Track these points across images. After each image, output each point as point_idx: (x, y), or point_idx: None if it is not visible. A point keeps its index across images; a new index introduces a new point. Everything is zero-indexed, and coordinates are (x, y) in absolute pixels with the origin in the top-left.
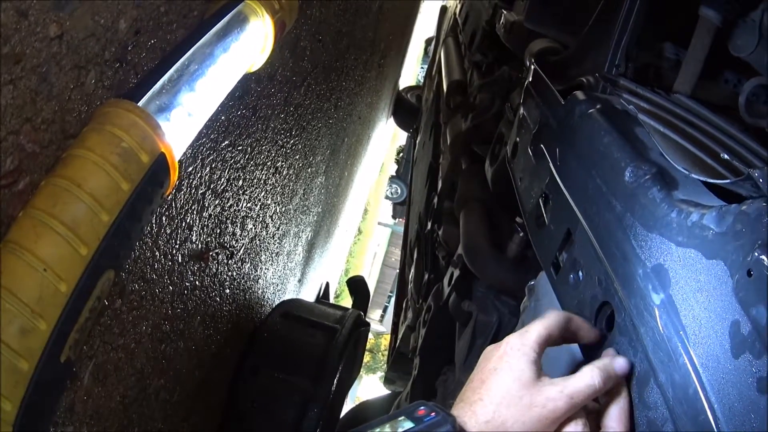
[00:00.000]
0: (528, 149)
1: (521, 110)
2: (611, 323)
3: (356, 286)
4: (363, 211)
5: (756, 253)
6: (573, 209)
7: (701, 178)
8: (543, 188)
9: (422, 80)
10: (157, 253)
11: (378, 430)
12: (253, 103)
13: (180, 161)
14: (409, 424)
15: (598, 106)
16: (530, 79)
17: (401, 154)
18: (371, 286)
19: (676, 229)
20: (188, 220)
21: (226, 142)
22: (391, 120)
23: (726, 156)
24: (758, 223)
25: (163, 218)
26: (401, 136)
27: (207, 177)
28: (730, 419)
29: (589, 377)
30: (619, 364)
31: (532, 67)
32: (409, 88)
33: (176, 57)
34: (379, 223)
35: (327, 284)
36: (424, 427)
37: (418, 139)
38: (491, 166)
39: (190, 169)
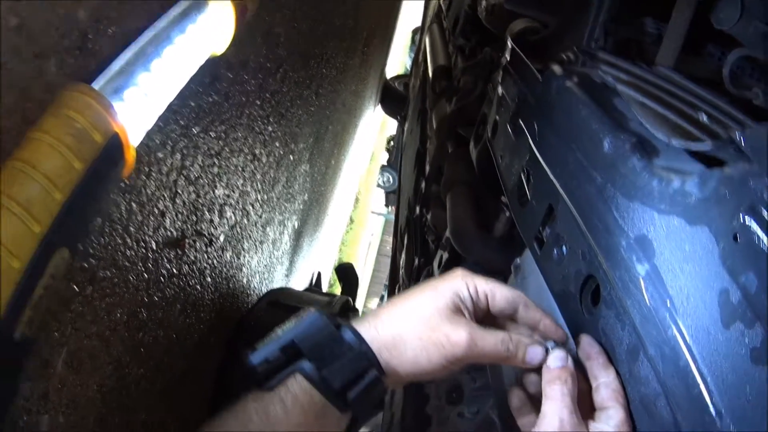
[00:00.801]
0: (507, 127)
1: (500, 89)
2: (597, 297)
3: (344, 272)
4: (354, 200)
5: (741, 218)
6: (554, 184)
7: (682, 145)
8: (523, 165)
9: (410, 69)
10: (128, 240)
11: (270, 336)
12: (225, 89)
13: (147, 146)
14: (290, 325)
15: (575, 80)
16: (508, 58)
17: (392, 143)
18: (366, 276)
19: (658, 197)
20: (160, 207)
21: (198, 128)
22: (379, 108)
23: (704, 117)
24: (742, 186)
25: (133, 204)
26: (391, 125)
27: (179, 163)
28: (724, 392)
29: (500, 339)
30: (535, 353)
31: (509, 45)
32: (397, 77)
33: (133, 41)
34: (372, 212)
35: (319, 274)
36: (297, 322)
37: (406, 126)
38: (475, 147)
39: (160, 155)
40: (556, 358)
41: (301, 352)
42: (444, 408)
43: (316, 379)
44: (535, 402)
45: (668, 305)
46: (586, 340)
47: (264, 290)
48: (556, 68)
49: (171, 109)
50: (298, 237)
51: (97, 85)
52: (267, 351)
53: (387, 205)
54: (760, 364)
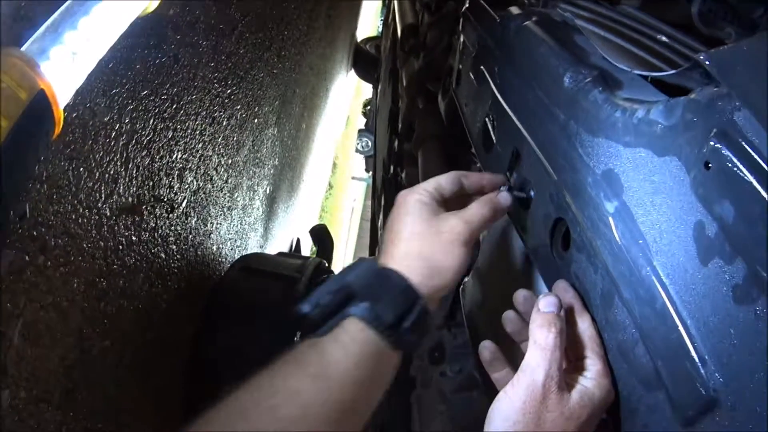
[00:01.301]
0: (470, 74)
1: (461, 37)
2: (568, 242)
3: (318, 234)
4: (332, 165)
5: (712, 143)
6: (517, 127)
7: (645, 74)
8: (487, 110)
9: (381, 31)
10: (79, 207)
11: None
12: (173, 51)
13: (93, 110)
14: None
15: (533, 19)
16: (467, 5)
17: (368, 107)
18: (351, 242)
19: (622, 129)
20: (111, 172)
21: (146, 91)
22: (353, 72)
23: (663, 37)
24: (711, 110)
25: (81, 170)
26: (367, 89)
27: (128, 127)
28: (707, 336)
29: (479, 207)
30: (503, 196)
31: None
32: (368, 39)
33: (62, 2)
34: (353, 178)
35: (298, 240)
36: (345, 270)
37: (379, 88)
38: (443, 100)
39: (107, 119)
40: (549, 303)
41: (351, 296)
42: (427, 368)
43: (370, 317)
44: (508, 355)
45: (640, 243)
46: (560, 285)
47: (237, 257)
48: (514, 9)
49: (116, 72)
50: (271, 203)
51: (24, 47)
52: (318, 296)
53: (367, 170)
54: (744, 303)
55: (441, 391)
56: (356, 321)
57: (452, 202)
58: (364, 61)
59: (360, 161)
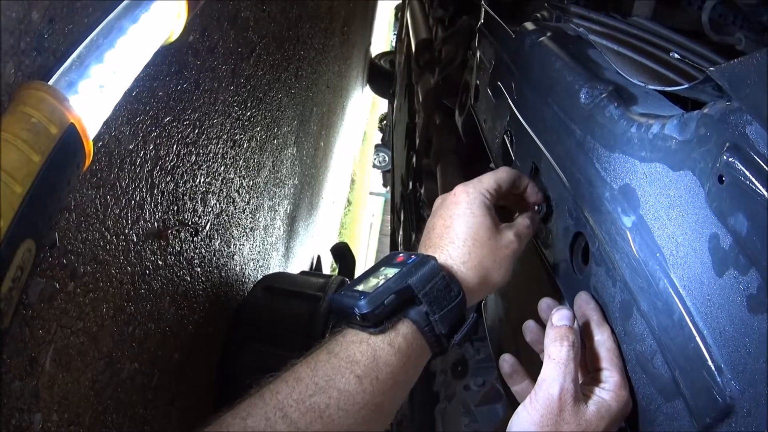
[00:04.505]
0: (487, 90)
1: (477, 53)
2: (587, 256)
3: (339, 252)
4: (350, 181)
5: (725, 157)
6: (535, 142)
7: (659, 88)
8: (505, 125)
9: (394, 46)
10: (107, 234)
11: (363, 282)
12: (194, 77)
13: (117, 139)
14: (393, 270)
15: (548, 34)
16: (482, 20)
17: (384, 122)
18: (371, 258)
19: (638, 144)
20: (137, 199)
21: (169, 118)
22: (368, 88)
23: (675, 55)
24: (723, 124)
25: (108, 198)
26: (382, 104)
27: (152, 154)
28: (723, 345)
29: (527, 224)
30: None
31: (483, 7)
32: (382, 54)
33: (87, 35)
34: (371, 193)
35: (318, 257)
36: (408, 269)
37: (395, 103)
38: (460, 116)
39: (131, 146)
40: (562, 317)
41: (411, 299)
42: (450, 383)
43: (425, 325)
44: (530, 367)
45: (657, 256)
46: (582, 297)
47: (260, 277)
48: (529, 25)
49: (139, 100)
50: (291, 222)
51: (52, 80)
52: (381, 295)
53: (385, 185)
54: (759, 312)
55: (465, 404)
56: (411, 325)
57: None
58: (379, 77)
59: (377, 176)
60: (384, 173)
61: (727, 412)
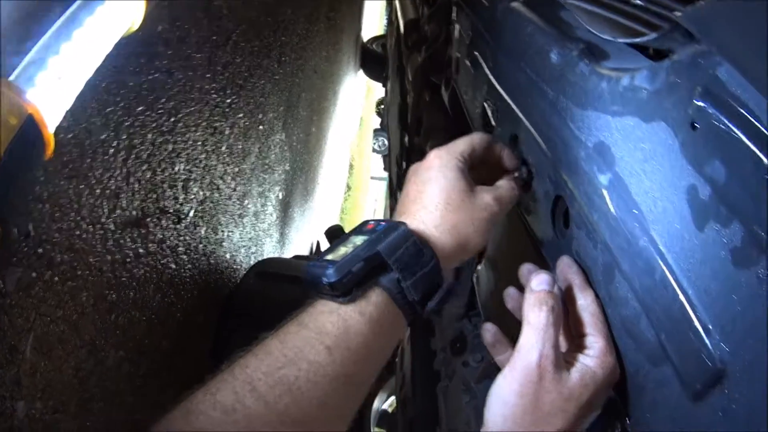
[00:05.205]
0: (466, 61)
1: (456, 26)
2: (568, 219)
3: (334, 235)
4: (348, 166)
5: (696, 102)
6: (513, 109)
7: (629, 41)
8: (485, 95)
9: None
10: (82, 223)
11: (333, 252)
12: (166, 66)
13: (88, 130)
14: (363, 237)
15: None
16: None
17: (381, 106)
18: None
19: (609, 99)
20: (113, 188)
21: (142, 107)
22: (362, 73)
23: (638, 1)
24: (693, 68)
25: (82, 187)
26: (378, 89)
27: (126, 143)
28: (709, 304)
29: (509, 188)
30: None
31: None
32: (374, 39)
33: (45, 30)
34: (372, 178)
35: (318, 243)
36: (377, 235)
37: (388, 86)
38: (446, 91)
39: (103, 137)
40: (540, 281)
41: (382, 266)
42: (450, 360)
43: (397, 292)
44: (511, 336)
45: (635, 213)
46: (564, 261)
47: (253, 263)
48: None
49: (109, 92)
50: (285, 208)
51: (12, 76)
52: (350, 263)
53: (386, 169)
54: (745, 266)
55: (465, 381)
56: (382, 293)
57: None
58: (372, 61)
59: (378, 161)
60: (384, 157)
61: (718, 377)
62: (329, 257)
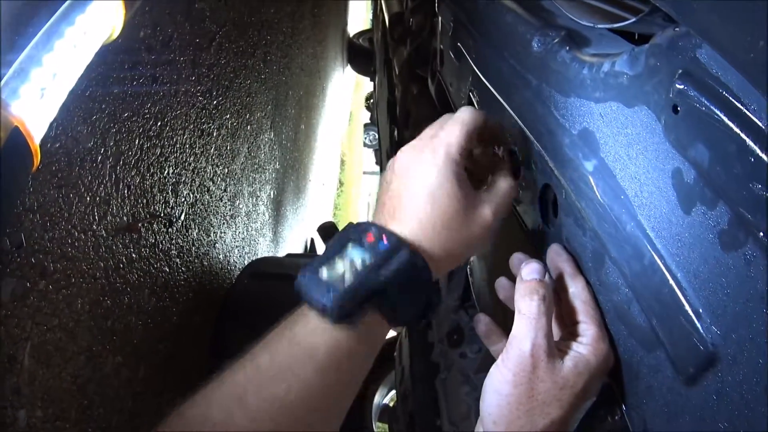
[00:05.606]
0: (449, 53)
1: (439, 18)
2: (557, 207)
3: (327, 232)
4: (340, 162)
5: (677, 85)
6: (497, 99)
7: (609, 26)
8: (469, 86)
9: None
10: (74, 231)
11: (327, 266)
12: (150, 71)
13: (75, 139)
14: (361, 254)
15: None
16: None
17: (370, 100)
18: None
19: (591, 85)
20: (102, 195)
21: (128, 113)
22: (350, 68)
23: None
24: (673, 51)
25: (71, 196)
26: (367, 83)
27: (113, 150)
28: (699, 288)
29: (509, 186)
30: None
31: None
32: (360, 33)
33: (27, 42)
34: (365, 173)
35: (312, 240)
36: (379, 260)
37: (376, 80)
38: (432, 83)
39: (90, 144)
40: (531, 270)
41: (379, 293)
42: (448, 352)
43: (391, 316)
44: (505, 326)
45: (622, 198)
46: (553, 249)
47: (248, 264)
48: None
49: (94, 99)
50: (277, 206)
51: None
52: (352, 297)
53: (377, 164)
54: (733, 248)
55: (464, 372)
56: (376, 314)
57: None
58: (359, 56)
59: (370, 156)
60: (375, 152)
61: (711, 361)
62: (325, 275)
